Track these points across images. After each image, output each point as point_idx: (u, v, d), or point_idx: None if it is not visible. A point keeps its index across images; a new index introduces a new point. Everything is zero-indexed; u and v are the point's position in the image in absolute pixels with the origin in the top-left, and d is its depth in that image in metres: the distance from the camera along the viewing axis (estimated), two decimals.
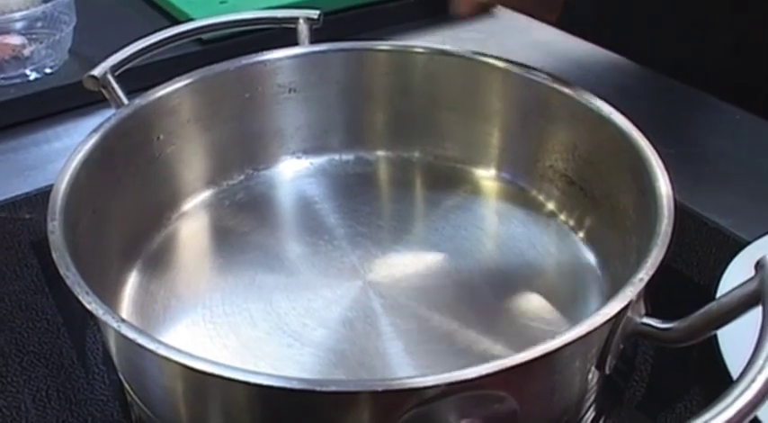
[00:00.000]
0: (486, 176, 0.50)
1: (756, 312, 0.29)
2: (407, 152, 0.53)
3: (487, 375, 0.27)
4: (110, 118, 0.43)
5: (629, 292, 0.31)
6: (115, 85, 0.46)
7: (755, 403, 0.26)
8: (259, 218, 0.48)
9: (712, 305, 0.31)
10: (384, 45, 0.50)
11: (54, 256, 0.33)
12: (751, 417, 0.26)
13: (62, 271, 0.32)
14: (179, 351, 0.28)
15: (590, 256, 0.44)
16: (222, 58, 0.49)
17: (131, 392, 0.36)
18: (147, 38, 0.49)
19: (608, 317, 0.29)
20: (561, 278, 0.43)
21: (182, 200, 0.48)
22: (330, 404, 0.28)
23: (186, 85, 0.47)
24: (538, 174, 0.48)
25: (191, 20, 0.57)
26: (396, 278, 0.43)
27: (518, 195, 0.49)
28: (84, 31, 0.66)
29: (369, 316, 0.41)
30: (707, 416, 0.25)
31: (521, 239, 0.45)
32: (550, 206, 0.47)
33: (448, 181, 0.51)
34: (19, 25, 0.62)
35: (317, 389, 0.27)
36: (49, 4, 0.62)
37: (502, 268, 0.44)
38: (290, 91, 0.51)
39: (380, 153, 0.53)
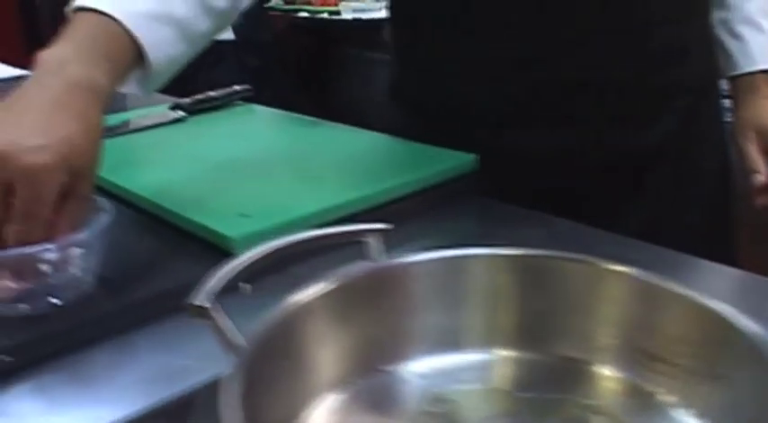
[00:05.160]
0: (605, 376, 0.51)
1: None
2: (530, 352, 0.53)
3: None
4: (259, 323, 0.46)
5: None
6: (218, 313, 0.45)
7: None
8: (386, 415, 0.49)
9: None
10: (515, 250, 0.53)
11: None
12: None
13: None
14: None
15: None
16: None
17: None
18: (237, 261, 0.49)
19: None
20: None
21: (315, 396, 0.49)
22: None
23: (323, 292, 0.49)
24: (657, 370, 0.49)
25: (223, 237, 0.65)
26: None
27: (634, 392, 0.50)
28: (110, 258, 0.64)
29: None
30: None
31: None
32: (665, 396, 0.49)
33: (572, 382, 0.52)
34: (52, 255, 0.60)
35: None
36: (84, 234, 0.60)
37: None
38: (421, 293, 0.52)
39: (504, 353, 0.53)
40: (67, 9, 0.69)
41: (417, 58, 0.97)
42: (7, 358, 0.56)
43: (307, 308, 0.48)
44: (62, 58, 0.63)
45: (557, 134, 0.89)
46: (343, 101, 2.58)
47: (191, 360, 0.58)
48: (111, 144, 0.92)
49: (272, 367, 0.45)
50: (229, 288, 0.66)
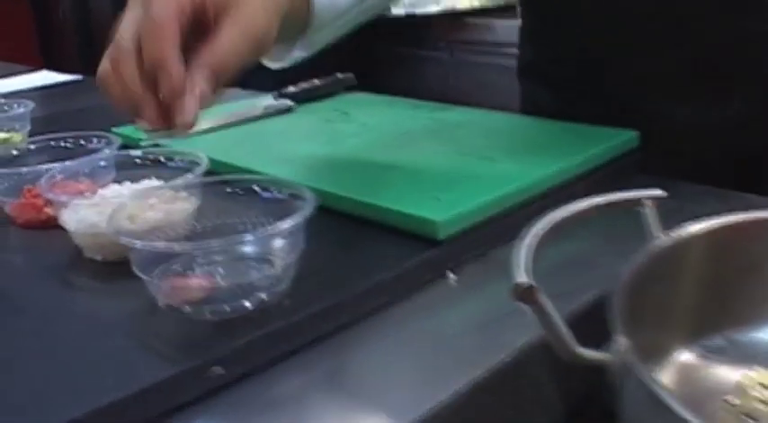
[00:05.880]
0: None
1: None
2: None
3: None
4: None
5: None
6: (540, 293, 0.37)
7: None
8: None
9: None
10: None
11: None
12: None
13: None
14: None
15: None
16: None
17: None
18: (534, 232, 0.41)
19: None
20: None
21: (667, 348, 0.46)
22: None
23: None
24: None
25: (430, 222, 0.58)
26: None
27: None
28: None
29: None
30: None
31: None
32: None
33: None
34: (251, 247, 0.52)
35: None
36: (287, 221, 0.51)
37: None
38: None
39: None
40: None
41: (561, 36, 0.90)
42: (219, 370, 0.47)
43: (681, 245, 0.45)
44: None
45: (714, 106, 0.84)
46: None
47: (437, 365, 0.49)
48: (236, 133, 0.84)
49: (643, 299, 0.41)
50: (432, 279, 0.58)
